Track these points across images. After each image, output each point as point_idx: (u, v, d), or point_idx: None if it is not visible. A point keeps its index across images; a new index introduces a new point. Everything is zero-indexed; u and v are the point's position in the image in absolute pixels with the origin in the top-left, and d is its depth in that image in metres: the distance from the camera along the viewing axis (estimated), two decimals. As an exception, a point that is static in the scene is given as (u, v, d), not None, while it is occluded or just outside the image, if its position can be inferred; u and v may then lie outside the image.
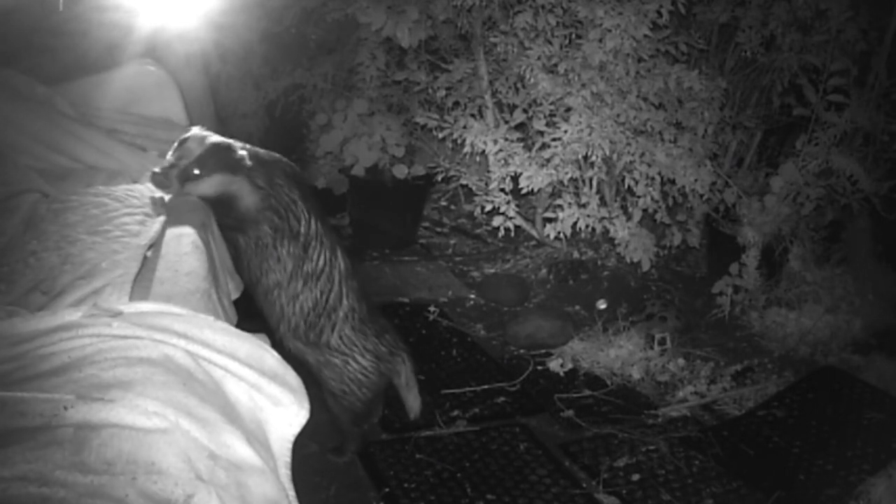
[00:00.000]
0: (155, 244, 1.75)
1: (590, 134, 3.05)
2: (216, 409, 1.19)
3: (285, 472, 1.31)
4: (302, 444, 1.41)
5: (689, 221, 3.56)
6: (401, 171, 3.79)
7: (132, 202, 1.88)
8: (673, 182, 3.17)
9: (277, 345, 2.12)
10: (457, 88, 3.58)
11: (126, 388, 1.14)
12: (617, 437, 2.57)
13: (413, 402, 2.50)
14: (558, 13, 3.13)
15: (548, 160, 3.18)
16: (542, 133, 3.26)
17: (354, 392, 2.30)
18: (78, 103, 2.31)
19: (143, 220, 1.82)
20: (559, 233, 3.26)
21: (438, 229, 4.26)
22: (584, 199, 3.30)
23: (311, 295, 2.16)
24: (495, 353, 3.11)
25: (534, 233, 3.78)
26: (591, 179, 3.35)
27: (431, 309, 3.36)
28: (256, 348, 1.38)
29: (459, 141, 3.37)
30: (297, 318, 2.18)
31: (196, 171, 1.94)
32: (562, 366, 2.98)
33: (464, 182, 3.69)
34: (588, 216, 3.24)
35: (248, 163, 2.01)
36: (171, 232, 1.84)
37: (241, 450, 1.15)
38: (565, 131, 3.09)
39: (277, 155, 2.16)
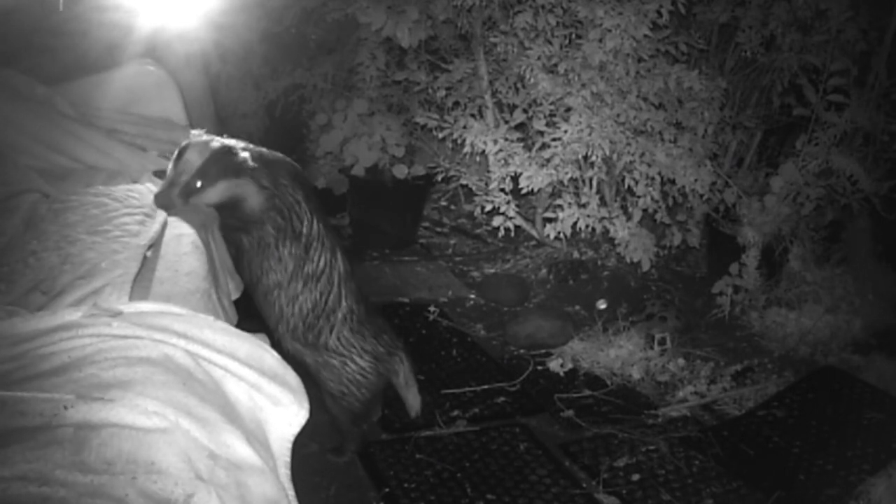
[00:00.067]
0: (155, 244, 1.75)
1: (590, 134, 3.05)
2: (216, 409, 1.19)
3: (285, 472, 1.31)
4: (302, 444, 1.41)
5: (689, 221, 3.56)
6: (401, 171, 3.79)
7: (132, 202, 1.88)
8: (673, 182, 3.17)
9: (276, 345, 2.12)
10: (457, 88, 3.58)
11: (126, 387, 1.14)
12: (617, 437, 2.57)
13: (413, 400, 2.50)
14: (558, 13, 3.13)
15: (548, 160, 3.18)
16: (542, 133, 3.26)
17: (353, 393, 2.30)
18: (78, 103, 2.31)
19: (142, 221, 1.82)
20: (559, 233, 3.26)
21: (438, 229, 4.26)
22: (584, 199, 3.30)
23: (310, 296, 2.16)
24: (495, 353, 3.11)
25: (534, 233, 3.78)
26: (591, 179, 3.35)
27: (431, 309, 3.36)
28: (256, 348, 1.38)
29: (459, 141, 3.37)
30: (296, 320, 2.18)
31: (199, 184, 1.92)
32: (562, 366, 2.98)
33: (464, 182, 3.69)
34: (588, 216, 3.24)
35: (252, 164, 2.00)
36: (171, 232, 1.85)
37: (241, 449, 1.15)
38: (565, 131, 3.10)
39: (281, 155, 2.15)
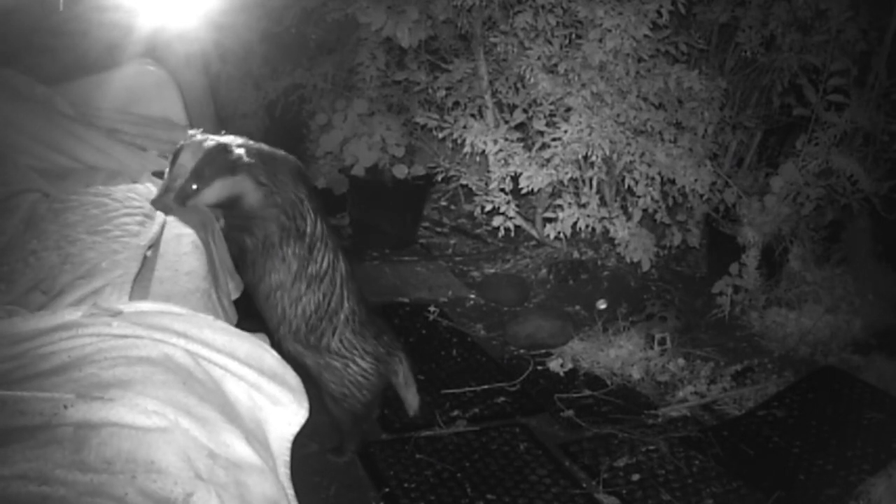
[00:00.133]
0: (154, 244, 1.75)
1: (590, 134, 3.05)
2: (215, 409, 1.19)
3: (284, 472, 1.31)
4: (302, 443, 1.42)
5: (689, 221, 3.56)
6: (401, 171, 3.79)
7: (132, 202, 1.88)
8: (673, 182, 3.17)
9: (276, 347, 2.10)
10: (457, 88, 3.58)
11: (126, 387, 1.14)
12: (617, 437, 2.57)
13: (412, 399, 2.49)
14: (558, 13, 3.13)
15: (548, 160, 3.18)
16: (542, 133, 3.26)
17: (354, 395, 2.29)
18: (78, 103, 2.31)
19: (142, 221, 1.82)
20: (559, 233, 3.26)
21: (438, 229, 4.26)
22: (584, 199, 3.30)
23: (313, 297, 2.14)
24: (495, 353, 3.11)
25: (534, 233, 3.78)
26: (591, 179, 3.35)
27: (431, 309, 3.36)
28: (256, 348, 1.38)
29: (459, 141, 3.37)
30: (299, 321, 2.15)
31: (194, 187, 1.89)
32: (562, 366, 2.98)
33: (464, 182, 3.69)
34: (588, 216, 3.24)
35: (248, 160, 1.96)
36: (171, 232, 1.85)
37: (241, 449, 1.16)
38: (565, 131, 3.10)
39: (283, 152, 2.12)
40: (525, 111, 3.42)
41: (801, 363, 3.02)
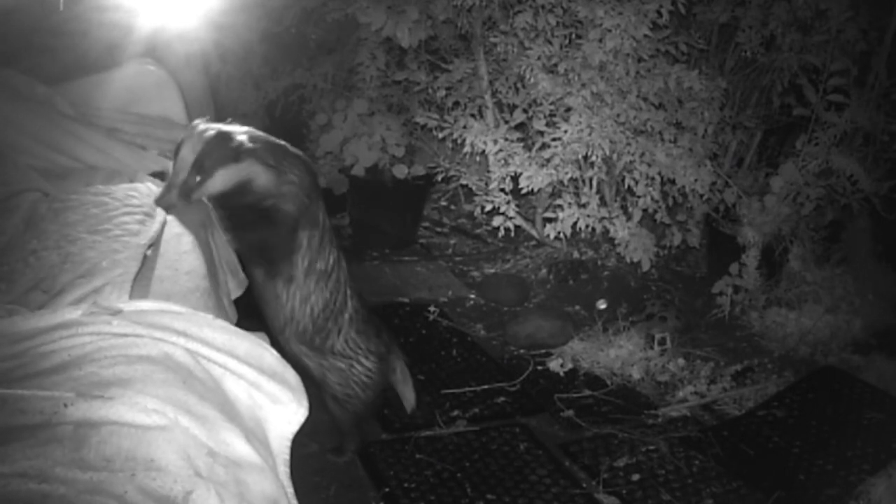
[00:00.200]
0: (155, 243, 1.75)
1: (590, 134, 3.05)
2: (215, 407, 1.19)
3: (284, 470, 1.31)
4: (302, 443, 1.42)
5: (689, 221, 3.56)
6: (401, 171, 3.79)
7: (132, 201, 1.88)
8: (673, 182, 3.17)
9: (279, 350, 2.06)
10: (457, 88, 3.58)
11: (125, 385, 1.14)
12: (617, 437, 2.57)
13: (409, 394, 2.50)
14: (558, 13, 3.13)
15: (548, 160, 3.18)
16: (542, 133, 3.26)
17: (358, 395, 2.28)
18: (78, 103, 2.32)
19: (143, 220, 1.82)
20: (559, 233, 3.26)
21: (438, 229, 4.26)
22: (584, 199, 3.30)
23: (321, 296, 2.09)
24: (495, 353, 3.11)
25: (534, 233, 3.78)
26: (591, 179, 3.35)
27: (431, 309, 3.36)
28: (255, 346, 1.38)
29: (459, 141, 3.37)
30: (307, 321, 2.10)
31: (197, 179, 1.81)
32: (562, 366, 2.98)
33: (464, 182, 3.69)
34: (588, 216, 3.24)
35: (251, 145, 1.88)
36: (171, 231, 1.85)
37: (240, 447, 1.16)
38: (565, 131, 3.10)
39: (285, 143, 2.05)
40: (525, 111, 3.42)
41: (801, 363, 3.02)
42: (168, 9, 2.65)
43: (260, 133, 1.96)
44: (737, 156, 3.59)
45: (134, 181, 2.05)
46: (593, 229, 3.30)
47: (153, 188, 1.98)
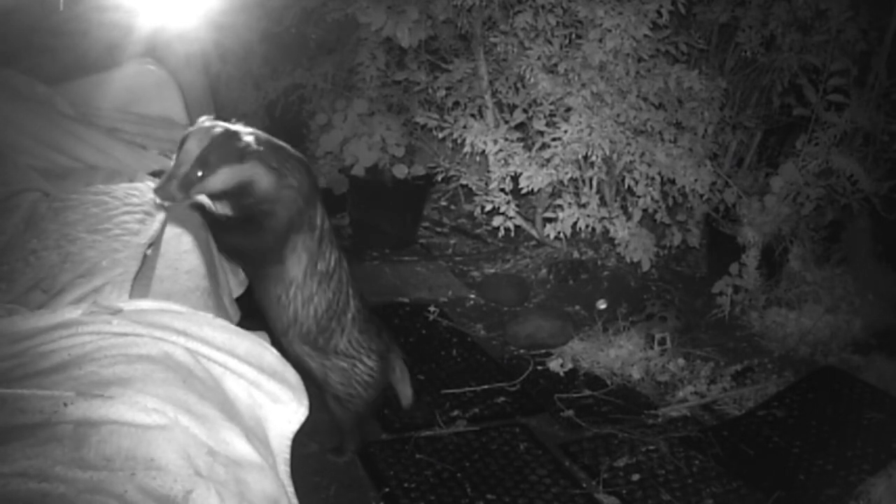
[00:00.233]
0: (155, 242, 1.75)
1: (590, 134, 3.05)
2: (215, 406, 1.19)
3: (284, 469, 1.31)
4: (302, 443, 1.42)
5: (689, 221, 3.56)
6: (401, 171, 3.79)
7: (132, 201, 1.88)
8: (673, 182, 3.17)
9: (282, 352, 2.03)
10: (457, 88, 3.58)
11: (126, 384, 1.14)
12: (617, 437, 2.57)
13: (407, 391, 2.52)
14: (558, 13, 3.13)
15: (548, 160, 3.18)
16: (542, 133, 3.26)
17: (360, 395, 2.28)
18: (78, 103, 2.32)
19: (143, 219, 1.82)
20: (559, 233, 3.25)
21: (438, 229, 4.26)
22: (584, 199, 3.30)
23: (324, 297, 2.08)
24: (495, 353, 3.11)
25: (534, 233, 3.78)
26: (591, 179, 3.35)
27: (431, 309, 3.36)
28: (255, 345, 1.38)
29: (459, 141, 3.37)
30: (310, 323, 2.09)
31: (199, 174, 1.78)
32: (562, 366, 2.98)
33: (464, 182, 3.69)
34: (588, 216, 3.24)
35: (256, 147, 1.86)
36: (172, 230, 1.85)
37: (240, 446, 1.16)
38: (565, 131, 3.10)
39: (287, 145, 2.05)
40: (525, 111, 3.42)
41: (801, 363, 3.02)
42: (168, 9, 2.65)
43: (263, 135, 1.94)
44: (737, 156, 3.59)
45: (134, 181, 2.05)
46: (593, 229, 3.30)
47: (153, 187, 1.97)
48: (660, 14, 2.95)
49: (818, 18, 3.13)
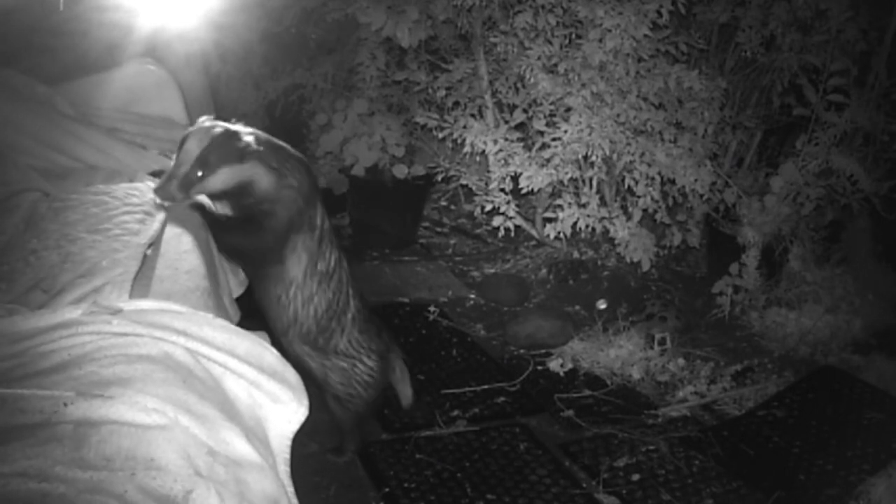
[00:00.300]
0: (155, 242, 1.75)
1: (590, 134, 3.05)
2: (215, 406, 1.19)
3: (284, 469, 1.31)
4: (301, 443, 1.42)
5: (689, 221, 3.56)
6: (401, 171, 3.79)
7: (132, 201, 1.88)
8: (673, 182, 3.17)
9: (282, 352, 2.01)
10: (457, 88, 3.58)
11: (126, 384, 1.14)
12: (617, 437, 2.57)
13: (407, 391, 2.52)
14: (558, 13, 3.13)
15: (548, 160, 3.18)
16: (542, 133, 3.26)
17: (360, 395, 2.28)
18: (78, 103, 2.32)
19: (143, 219, 1.82)
20: (559, 233, 3.25)
21: (438, 229, 4.26)
22: (584, 199, 3.30)
23: (324, 297, 2.08)
24: (495, 353, 3.11)
25: (534, 233, 3.78)
26: (591, 179, 3.35)
27: (431, 309, 3.36)
28: (255, 345, 1.38)
29: (459, 141, 3.37)
30: (310, 323, 2.09)
31: (199, 174, 1.78)
32: (562, 366, 2.98)
33: (464, 182, 3.69)
34: (588, 216, 3.24)
35: (257, 147, 1.86)
36: (172, 230, 1.85)
37: (240, 446, 1.16)
38: (565, 131, 3.10)
39: (287, 145, 2.05)
40: (525, 111, 3.42)
41: (801, 363, 3.02)
42: (168, 9, 2.65)
43: (263, 135, 1.94)
44: (737, 156, 3.59)
45: (134, 181, 2.05)
46: (593, 229, 3.30)
47: (153, 187, 1.97)
48: (660, 14, 2.95)
49: (818, 18, 3.13)
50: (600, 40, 2.99)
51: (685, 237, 3.51)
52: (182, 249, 1.74)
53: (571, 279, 3.61)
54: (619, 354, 3.02)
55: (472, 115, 3.50)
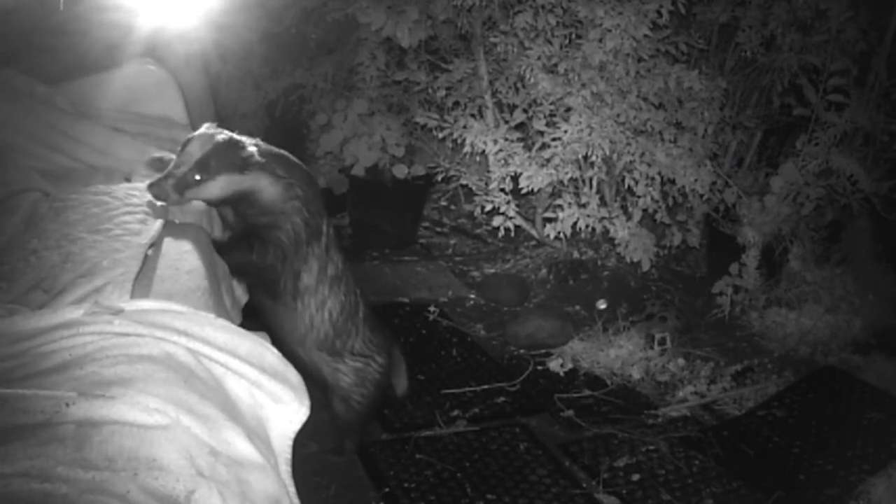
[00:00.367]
0: (156, 242, 1.75)
1: (590, 134, 3.06)
2: (217, 406, 1.19)
3: (286, 469, 1.31)
4: (302, 443, 1.42)
5: (689, 221, 3.56)
6: (401, 171, 3.79)
7: (133, 200, 1.88)
8: (673, 182, 3.17)
9: (296, 360, 1.86)
10: (457, 88, 3.58)
11: (127, 385, 1.14)
12: (617, 437, 2.57)
13: (402, 381, 2.55)
14: (558, 13, 3.13)
15: (548, 160, 3.18)
16: (542, 133, 3.26)
17: (372, 393, 2.29)
18: (78, 103, 2.31)
19: (143, 219, 1.82)
20: (559, 233, 3.26)
21: (438, 229, 4.26)
22: (584, 199, 3.30)
23: (337, 300, 2.10)
24: (495, 353, 3.11)
25: (534, 233, 3.78)
26: (591, 179, 3.35)
27: (431, 309, 3.36)
28: (257, 346, 1.38)
29: (459, 141, 3.37)
30: (327, 327, 2.11)
31: (197, 177, 1.80)
32: (562, 366, 2.98)
33: (464, 182, 3.69)
34: (588, 216, 3.24)
35: (259, 158, 1.88)
36: (172, 230, 1.84)
37: (242, 446, 1.16)
38: (565, 131, 3.10)
39: (288, 153, 2.07)
40: (525, 111, 3.42)
41: (801, 363, 3.02)
42: (168, 9, 2.65)
43: (266, 146, 1.96)
44: (737, 156, 3.59)
45: (132, 179, 2.04)
46: (593, 229, 3.30)
47: (148, 182, 1.96)
48: (660, 14, 2.95)
49: (818, 18, 3.14)
50: (600, 40, 2.99)
51: (685, 237, 3.52)
52: (183, 249, 1.74)
53: (571, 279, 3.61)
54: (619, 354, 3.02)
55: (472, 115, 3.50)
